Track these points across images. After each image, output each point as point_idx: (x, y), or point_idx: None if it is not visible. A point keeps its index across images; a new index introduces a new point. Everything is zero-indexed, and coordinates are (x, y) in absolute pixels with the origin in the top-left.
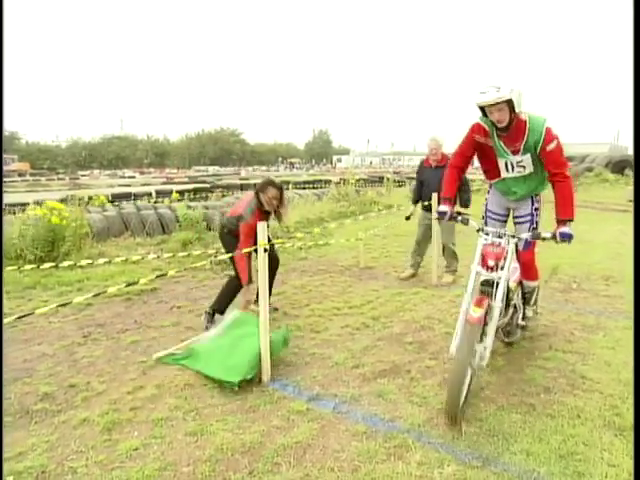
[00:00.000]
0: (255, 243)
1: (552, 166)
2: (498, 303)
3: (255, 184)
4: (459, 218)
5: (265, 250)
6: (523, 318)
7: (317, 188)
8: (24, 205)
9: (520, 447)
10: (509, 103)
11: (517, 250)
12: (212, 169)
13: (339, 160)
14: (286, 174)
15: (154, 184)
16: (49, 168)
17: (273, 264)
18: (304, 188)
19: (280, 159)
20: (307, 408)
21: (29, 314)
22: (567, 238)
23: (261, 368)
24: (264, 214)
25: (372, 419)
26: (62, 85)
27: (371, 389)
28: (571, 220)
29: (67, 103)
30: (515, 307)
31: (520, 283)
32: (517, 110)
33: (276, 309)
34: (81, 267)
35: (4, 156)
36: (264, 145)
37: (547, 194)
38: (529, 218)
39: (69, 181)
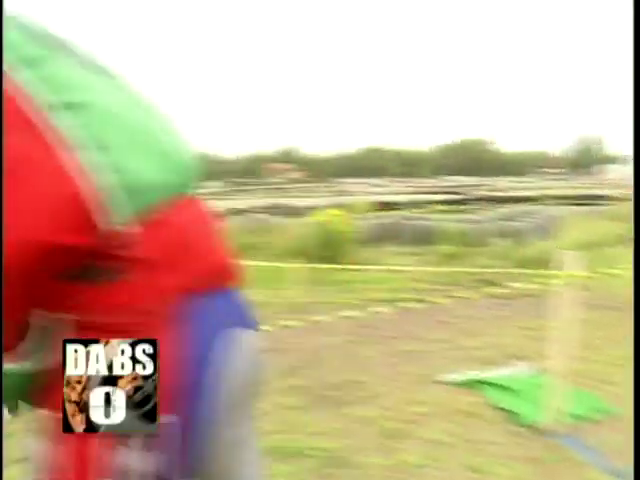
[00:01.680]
0: None
1: None
2: None
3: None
4: None
5: None
6: None
7: (582, 205)
8: (300, 209)
9: None
10: None
11: None
12: (463, 179)
13: (611, 170)
14: (540, 186)
15: (404, 193)
16: (317, 175)
17: None
18: (572, 204)
19: (539, 169)
20: None
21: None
22: None
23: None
24: None
25: None
26: (331, 96)
27: None
28: None
29: (332, 114)
30: None
31: None
32: None
33: None
34: (351, 270)
35: (287, 166)
36: (515, 154)
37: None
38: None
39: (335, 189)
